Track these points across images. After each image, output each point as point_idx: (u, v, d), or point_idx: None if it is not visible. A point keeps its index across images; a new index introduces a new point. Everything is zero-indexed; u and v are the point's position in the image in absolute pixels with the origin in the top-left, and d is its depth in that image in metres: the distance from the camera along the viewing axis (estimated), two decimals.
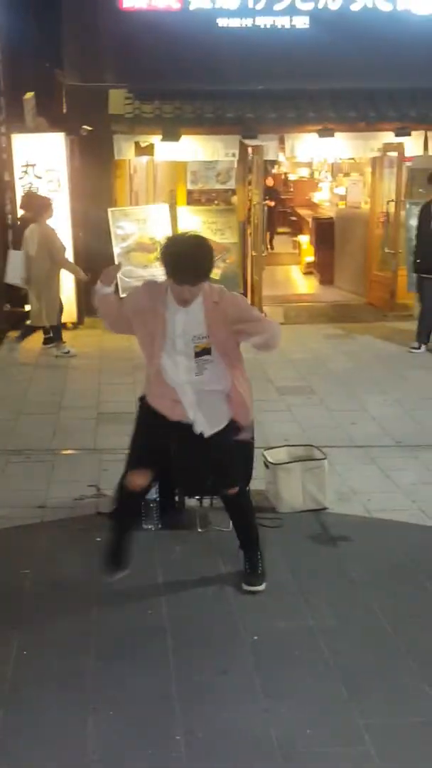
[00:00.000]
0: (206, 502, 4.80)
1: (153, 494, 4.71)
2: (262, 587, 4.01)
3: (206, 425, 3.87)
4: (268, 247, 14.51)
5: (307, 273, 13.43)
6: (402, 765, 2.93)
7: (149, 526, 4.71)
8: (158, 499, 4.72)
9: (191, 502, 4.85)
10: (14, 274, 8.43)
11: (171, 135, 9.78)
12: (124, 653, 3.56)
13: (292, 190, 16.99)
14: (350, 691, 3.29)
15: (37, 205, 8.49)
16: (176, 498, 4.91)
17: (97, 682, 3.37)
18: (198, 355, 3.77)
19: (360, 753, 2.96)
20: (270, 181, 15.51)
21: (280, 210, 16.64)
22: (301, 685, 3.34)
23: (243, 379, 3.97)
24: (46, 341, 8.88)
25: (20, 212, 9.26)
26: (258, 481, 4.87)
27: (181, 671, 3.42)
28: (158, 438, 3.94)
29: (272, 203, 15.42)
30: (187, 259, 3.57)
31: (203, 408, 3.85)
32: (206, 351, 3.78)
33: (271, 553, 4.30)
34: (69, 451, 6.03)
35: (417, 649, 3.56)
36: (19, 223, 9.30)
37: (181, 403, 3.85)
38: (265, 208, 13.00)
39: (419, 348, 8.68)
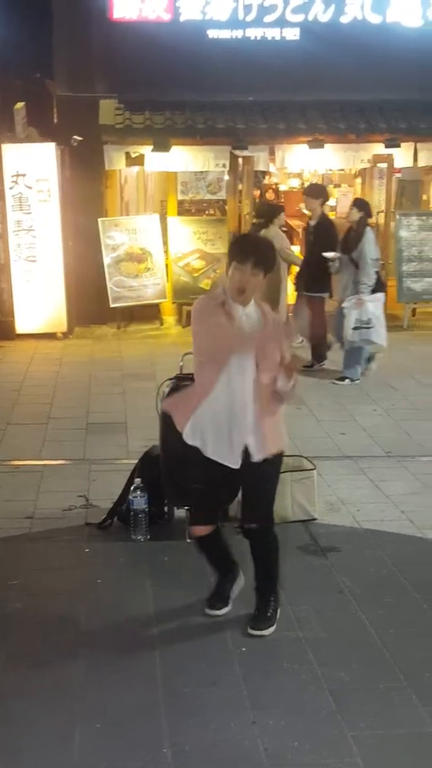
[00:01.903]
0: None
1: (142, 505, 4.71)
2: (268, 632, 3.74)
3: (260, 449, 3.64)
4: None
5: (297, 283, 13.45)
6: None
7: (138, 537, 4.70)
8: (147, 509, 4.71)
9: (180, 512, 4.84)
10: None
11: (161, 145, 9.80)
12: (112, 665, 3.54)
13: (282, 200, 17.01)
14: (338, 702, 3.28)
15: (268, 212, 8.94)
16: (165, 509, 4.90)
17: (84, 694, 3.35)
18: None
19: (348, 765, 2.95)
20: (270, 195, 14.42)
21: (283, 229, 15.27)
22: (289, 697, 3.33)
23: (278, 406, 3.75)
24: None
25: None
26: None
27: (168, 683, 3.40)
28: (215, 478, 3.70)
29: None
30: (252, 241, 3.80)
31: (259, 428, 3.64)
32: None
33: None
34: (58, 462, 6.01)
35: (405, 661, 3.56)
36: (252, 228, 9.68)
37: (237, 425, 3.61)
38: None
39: (312, 366, 8.34)
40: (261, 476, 3.71)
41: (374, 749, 3.02)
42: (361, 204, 8.08)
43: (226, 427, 3.62)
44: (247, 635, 3.73)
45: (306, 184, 15.53)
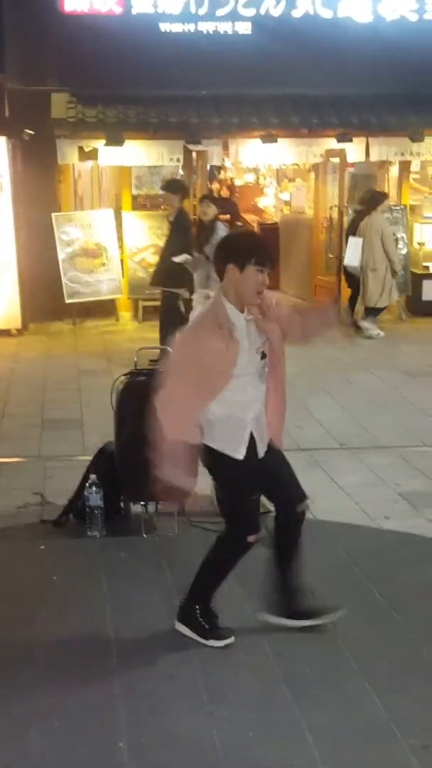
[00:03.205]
0: (151, 508, 4.79)
1: (97, 501, 4.69)
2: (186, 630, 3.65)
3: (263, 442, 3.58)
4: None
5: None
6: (345, 766, 2.95)
7: (94, 533, 4.68)
8: (103, 505, 4.69)
9: (136, 508, 4.83)
10: (353, 258, 9.70)
11: (114, 140, 9.75)
12: (67, 662, 3.53)
13: (237, 195, 16.99)
14: (293, 693, 3.31)
15: (372, 200, 9.70)
16: (121, 504, 4.89)
17: (41, 691, 3.32)
18: (263, 358, 3.51)
19: (304, 755, 2.97)
20: (226, 192, 13.57)
21: (238, 224, 13.58)
22: (246, 689, 3.35)
23: (283, 390, 3.70)
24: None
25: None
26: (204, 486, 4.85)
27: (125, 678, 3.40)
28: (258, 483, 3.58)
29: (227, 217, 13.06)
30: (264, 241, 3.57)
31: (262, 424, 3.58)
32: (264, 354, 3.50)
33: None
34: (13, 459, 5.96)
35: (359, 650, 3.60)
36: (354, 215, 10.17)
37: (253, 425, 3.52)
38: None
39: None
40: (280, 455, 3.68)
41: (329, 739, 3.05)
42: (212, 199, 8.19)
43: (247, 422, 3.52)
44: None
45: (259, 179, 15.60)
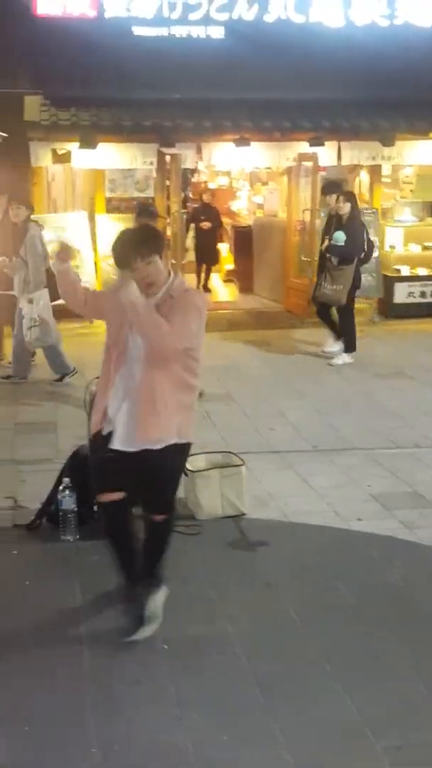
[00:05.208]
0: None
1: (71, 505, 4.69)
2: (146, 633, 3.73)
3: (129, 440, 3.63)
4: (201, 286, 12.05)
5: (227, 281, 13.54)
6: (316, 766, 2.99)
7: (68, 537, 4.69)
8: (76, 509, 4.70)
9: None
10: None
11: (88, 142, 9.74)
12: (39, 667, 3.53)
13: (212, 197, 17.00)
14: (265, 694, 3.34)
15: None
16: (94, 508, 4.89)
17: (10, 697, 3.33)
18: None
19: (274, 756, 3.01)
20: (207, 197, 13.05)
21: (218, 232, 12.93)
22: (216, 691, 3.38)
23: (187, 392, 3.71)
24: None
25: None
26: (180, 491, 4.89)
27: (95, 683, 3.41)
28: (116, 463, 3.70)
29: (208, 224, 12.53)
30: (130, 239, 3.68)
31: (130, 419, 3.63)
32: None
33: (189, 561, 4.33)
34: None
35: (330, 651, 3.64)
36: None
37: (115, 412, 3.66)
38: (196, 229, 12.45)
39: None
40: (153, 466, 3.77)
41: (302, 742, 3.08)
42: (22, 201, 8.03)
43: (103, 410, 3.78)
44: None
45: (233, 182, 15.65)
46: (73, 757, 3.00)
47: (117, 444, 3.66)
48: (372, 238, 9.42)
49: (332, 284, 8.62)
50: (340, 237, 8.51)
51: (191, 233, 12.66)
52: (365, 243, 8.86)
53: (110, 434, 3.69)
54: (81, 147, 9.79)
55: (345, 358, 8.77)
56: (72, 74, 9.82)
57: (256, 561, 4.51)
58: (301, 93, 10.31)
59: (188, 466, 5.07)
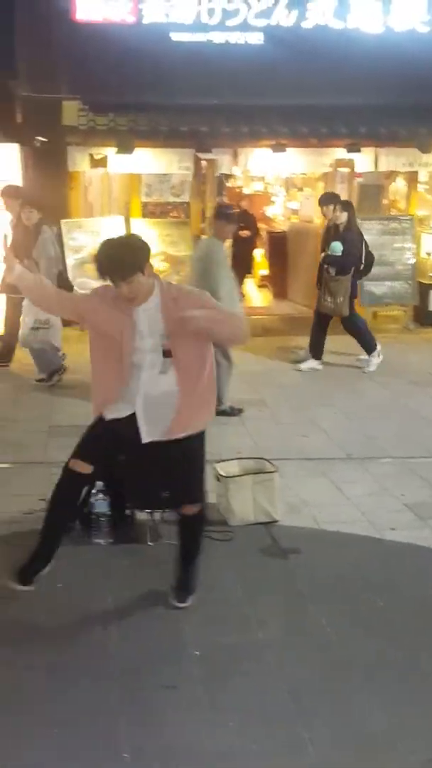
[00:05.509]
0: (157, 515, 4.80)
1: (104, 508, 4.71)
2: (188, 603, 3.97)
3: (157, 432, 3.74)
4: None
5: (261, 286, 13.53)
6: None
7: (100, 540, 4.69)
8: (109, 512, 4.71)
9: (142, 515, 4.84)
10: None
11: (125, 147, 9.80)
12: (70, 670, 3.54)
13: (250, 204, 16.95)
14: (296, 703, 3.31)
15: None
16: (127, 512, 4.90)
17: (42, 699, 3.33)
18: (164, 355, 3.70)
19: (305, 766, 2.98)
20: (245, 203, 12.94)
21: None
22: (248, 699, 3.35)
23: (207, 384, 3.82)
24: None
25: None
26: (209, 494, 4.88)
27: (127, 687, 3.41)
28: (110, 443, 3.84)
29: (248, 232, 12.30)
30: (111, 257, 3.61)
31: (156, 413, 3.73)
32: (168, 352, 3.69)
33: (220, 567, 4.31)
34: (19, 464, 5.98)
35: (362, 662, 3.60)
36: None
37: (137, 408, 3.74)
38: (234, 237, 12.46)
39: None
40: (176, 458, 3.88)
41: (331, 752, 3.05)
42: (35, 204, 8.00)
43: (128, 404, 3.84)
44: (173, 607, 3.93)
45: (268, 188, 15.63)
46: (104, 762, 2.99)
47: (146, 437, 3.74)
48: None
49: (332, 297, 8.56)
50: (337, 247, 8.42)
51: (228, 241, 12.62)
52: (363, 254, 8.75)
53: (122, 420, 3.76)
54: (118, 152, 9.85)
55: (375, 361, 8.72)
56: (110, 79, 9.89)
57: (288, 568, 4.48)
58: (338, 99, 10.28)
59: (221, 471, 5.08)
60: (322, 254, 8.74)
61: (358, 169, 10.57)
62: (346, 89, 10.10)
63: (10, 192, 8.40)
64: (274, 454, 5.62)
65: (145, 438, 3.75)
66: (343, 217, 8.61)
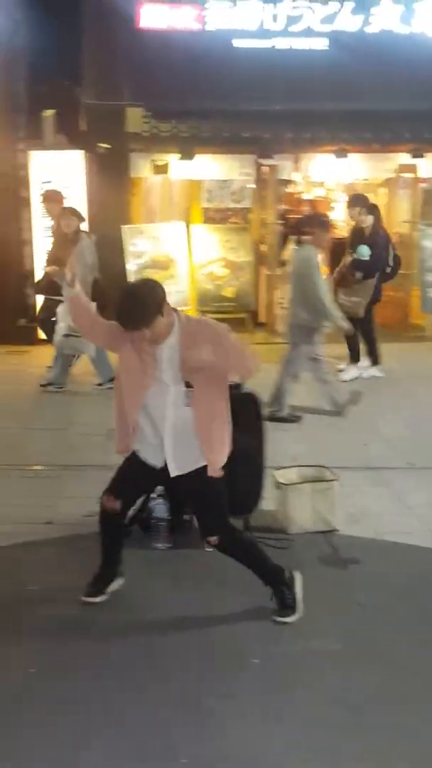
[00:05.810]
0: None
1: (163, 512, 4.71)
2: (291, 618, 3.92)
3: (177, 466, 3.81)
4: None
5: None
6: None
7: (158, 545, 4.70)
8: (168, 517, 4.71)
9: None
10: None
11: (187, 153, 9.85)
12: (127, 674, 3.54)
13: (307, 209, 16.87)
14: (354, 716, 3.26)
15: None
16: (185, 517, 4.90)
17: (99, 705, 3.34)
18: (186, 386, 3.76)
19: None
20: (307, 209, 12.26)
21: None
22: (306, 710, 3.32)
23: (222, 420, 3.85)
24: None
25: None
26: (268, 502, 4.85)
27: (184, 694, 3.40)
28: (142, 479, 4.02)
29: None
30: (130, 311, 3.66)
31: (182, 447, 3.79)
32: (189, 385, 3.74)
33: None
34: (78, 467, 6.03)
35: (422, 674, 3.53)
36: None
37: (162, 443, 3.81)
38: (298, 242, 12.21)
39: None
40: (192, 492, 3.98)
41: (389, 764, 3.00)
42: (75, 212, 7.97)
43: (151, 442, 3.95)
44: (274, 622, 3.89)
45: (329, 193, 15.51)
46: (161, 765, 2.98)
47: (175, 471, 3.81)
48: (398, 253, 9.05)
49: (350, 296, 8.37)
50: (364, 251, 8.26)
51: (291, 245, 12.54)
52: (390, 257, 8.58)
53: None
54: (180, 158, 9.90)
55: (375, 371, 8.60)
56: (173, 86, 9.94)
57: (347, 579, 4.42)
58: (403, 104, 10.16)
59: (280, 479, 5.05)
60: (348, 258, 8.59)
61: (421, 174, 10.42)
62: (411, 94, 9.98)
63: (52, 197, 8.50)
64: (333, 462, 5.54)
65: (173, 472, 3.81)
66: (368, 220, 8.49)
